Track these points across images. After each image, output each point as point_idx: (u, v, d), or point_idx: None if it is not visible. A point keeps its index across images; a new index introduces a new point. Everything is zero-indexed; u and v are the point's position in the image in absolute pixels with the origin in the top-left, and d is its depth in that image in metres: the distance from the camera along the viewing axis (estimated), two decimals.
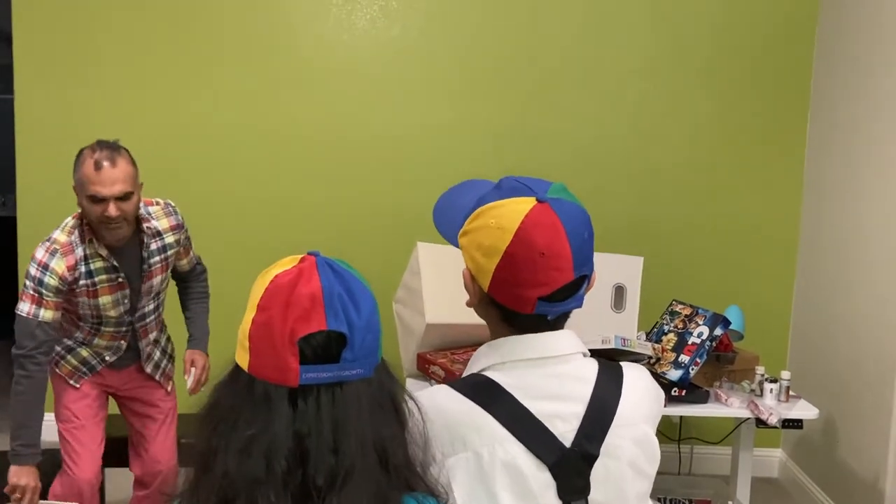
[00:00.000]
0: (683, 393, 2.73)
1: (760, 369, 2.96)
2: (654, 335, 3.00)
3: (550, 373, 1.13)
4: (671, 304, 3.06)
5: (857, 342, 3.23)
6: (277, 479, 0.88)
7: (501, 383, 1.11)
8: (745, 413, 2.80)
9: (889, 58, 3.10)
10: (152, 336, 2.68)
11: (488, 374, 1.14)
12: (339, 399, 0.91)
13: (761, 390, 2.88)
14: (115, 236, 2.40)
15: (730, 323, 2.87)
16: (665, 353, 2.86)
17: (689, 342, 2.84)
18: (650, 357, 2.76)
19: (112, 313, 2.52)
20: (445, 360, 2.69)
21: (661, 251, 3.72)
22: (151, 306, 2.64)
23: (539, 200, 1.11)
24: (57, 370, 2.60)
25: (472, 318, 2.83)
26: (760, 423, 2.77)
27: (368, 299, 0.96)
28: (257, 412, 0.91)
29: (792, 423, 2.81)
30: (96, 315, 2.51)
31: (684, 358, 2.80)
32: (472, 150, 3.81)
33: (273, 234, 3.85)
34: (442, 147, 3.82)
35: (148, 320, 2.64)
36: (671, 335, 2.92)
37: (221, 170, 3.84)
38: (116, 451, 2.82)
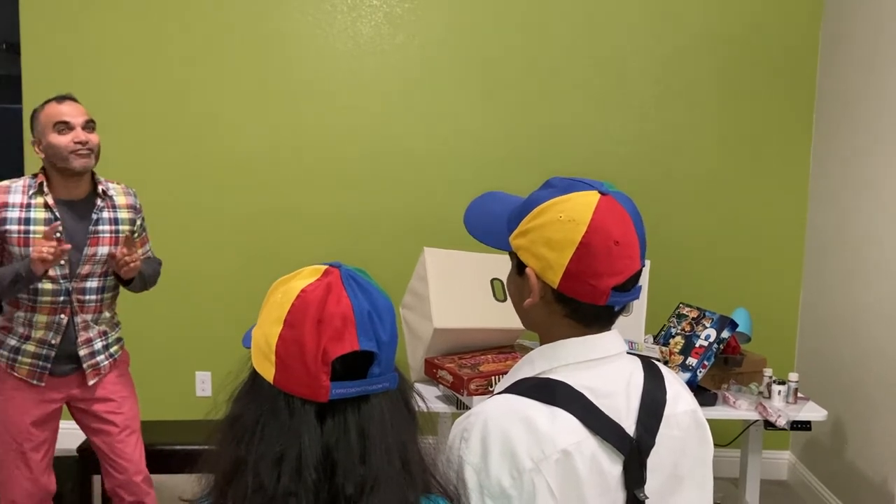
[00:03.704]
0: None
1: (768, 371, 2.96)
2: (662, 338, 3.00)
3: (608, 371, 1.17)
4: (678, 307, 3.07)
5: (865, 343, 3.22)
6: (309, 490, 0.90)
7: (570, 384, 1.14)
8: (753, 415, 2.80)
9: (892, 60, 3.10)
10: (90, 317, 2.59)
11: (552, 376, 1.15)
12: (364, 411, 0.94)
13: (769, 392, 2.88)
14: (84, 165, 2.48)
15: (737, 325, 2.88)
16: (673, 356, 2.86)
17: (697, 345, 2.84)
18: (658, 360, 2.76)
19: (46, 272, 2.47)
20: (453, 364, 2.70)
21: (667, 254, 3.73)
22: (95, 283, 2.57)
23: (602, 193, 1.13)
24: (14, 374, 2.55)
25: (479, 322, 2.85)
26: (769, 425, 2.77)
27: (390, 312, 0.98)
28: (285, 426, 0.93)
29: (800, 425, 2.81)
30: None
31: (692, 360, 2.80)
32: (479, 156, 3.82)
33: (279, 242, 3.87)
34: (448, 153, 3.83)
35: (88, 297, 2.57)
36: (678, 338, 2.92)
37: (228, 178, 3.86)
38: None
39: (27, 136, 3.77)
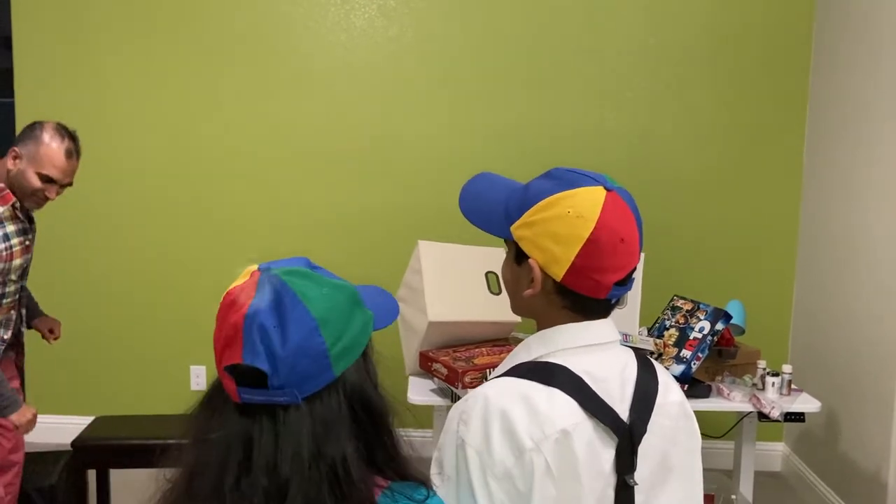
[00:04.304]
0: (685, 388, 2.74)
1: (762, 363, 2.97)
2: (656, 330, 3.00)
3: (605, 357, 1.18)
4: (672, 300, 3.07)
5: (858, 335, 3.23)
6: (227, 484, 0.89)
7: (568, 367, 1.15)
8: (747, 407, 2.80)
9: (885, 55, 3.10)
10: (23, 309, 2.71)
11: (549, 360, 1.16)
12: (280, 418, 0.91)
13: (763, 384, 2.89)
14: (34, 209, 2.55)
15: (731, 317, 2.88)
16: (667, 349, 2.87)
17: (691, 337, 2.84)
18: (652, 352, 2.76)
19: (14, 277, 2.52)
20: (448, 357, 2.69)
21: (662, 247, 3.73)
22: (26, 279, 2.66)
23: (607, 189, 1.14)
24: None
25: (474, 315, 2.84)
26: (763, 416, 2.78)
27: (304, 324, 0.91)
28: (214, 418, 0.94)
29: (794, 417, 2.81)
30: (1, 282, 2.51)
31: (686, 353, 2.81)
32: (471, 149, 3.82)
33: (272, 236, 3.86)
34: (441, 146, 3.83)
35: (25, 292, 2.67)
36: (673, 330, 2.93)
37: (220, 171, 3.85)
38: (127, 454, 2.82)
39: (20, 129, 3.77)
